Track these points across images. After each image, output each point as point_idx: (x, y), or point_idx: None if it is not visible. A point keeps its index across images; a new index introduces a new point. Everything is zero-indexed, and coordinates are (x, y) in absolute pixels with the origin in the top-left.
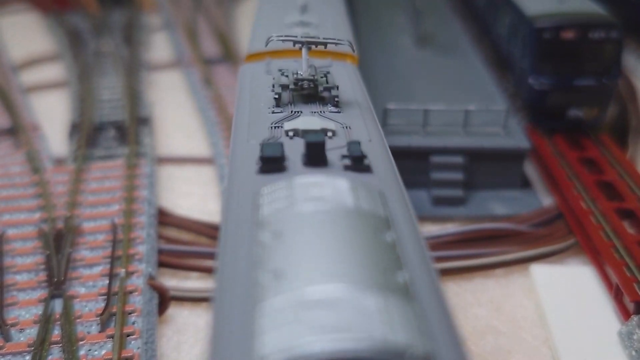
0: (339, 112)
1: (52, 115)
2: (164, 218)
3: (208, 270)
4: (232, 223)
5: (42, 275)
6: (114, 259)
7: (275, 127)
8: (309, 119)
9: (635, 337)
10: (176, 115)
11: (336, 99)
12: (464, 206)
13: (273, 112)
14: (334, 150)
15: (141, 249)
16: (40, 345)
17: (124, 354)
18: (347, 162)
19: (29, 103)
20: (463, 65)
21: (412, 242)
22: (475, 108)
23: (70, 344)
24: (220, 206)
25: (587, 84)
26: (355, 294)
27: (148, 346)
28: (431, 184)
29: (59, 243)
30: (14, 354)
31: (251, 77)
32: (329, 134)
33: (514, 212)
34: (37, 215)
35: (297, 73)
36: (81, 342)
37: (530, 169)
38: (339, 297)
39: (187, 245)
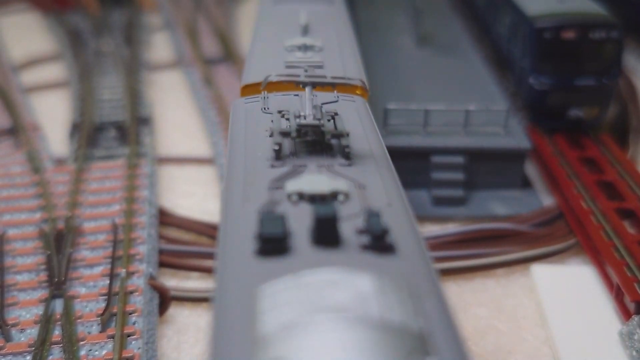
0: (351, 165)
1: (52, 115)
2: (164, 218)
3: (208, 270)
4: (224, 333)
5: (43, 276)
6: (114, 259)
7: (275, 188)
8: (316, 178)
9: (636, 337)
10: (176, 115)
11: (346, 149)
12: (464, 206)
13: (272, 166)
14: (348, 220)
15: (142, 249)
16: (41, 346)
17: (125, 354)
18: (365, 239)
19: (29, 103)
20: (463, 65)
21: None
22: (476, 108)
23: (70, 344)
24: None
25: (588, 84)
26: None
27: (149, 346)
28: (432, 184)
29: (59, 243)
30: (14, 354)
31: (245, 116)
32: (340, 197)
33: (515, 212)
34: (37, 216)
35: (299, 116)
36: (82, 342)
37: (531, 169)
38: None
39: (187, 245)
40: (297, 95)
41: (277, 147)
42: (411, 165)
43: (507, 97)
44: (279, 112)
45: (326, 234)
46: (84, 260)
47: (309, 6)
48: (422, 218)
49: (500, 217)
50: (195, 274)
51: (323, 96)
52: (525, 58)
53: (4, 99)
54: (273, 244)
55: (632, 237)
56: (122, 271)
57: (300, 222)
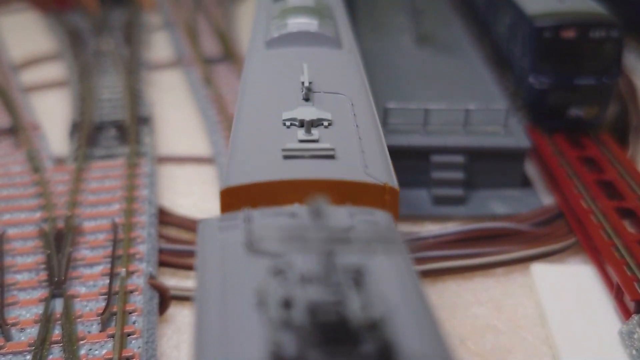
0: None
1: (52, 115)
2: (164, 217)
3: None
4: None
5: (43, 275)
6: (114, 259)
7: None
8: None
9: (635, 336)
10: (176, 115)
11: (386, 353)
12: (464, 205)
13: None
14: None
15: (142, 248)
16: (41, 345)
17: (125, 354)
18: None
19: (29, 102)
20: (463, 64)
21: None
22: (476, 107)
23: (70, 343)
24: None
25: (588, 83)
26: None
27: (148, 345)
28: (431, 183)
29: (59, 242)
30: (14, 354)
31: (222, 256)
32: None
33: (515, 211)
34: (37, 215)
35: (306, 279)
36: (82, 342)
37: (531, 168)
38: None
39: (187, 245)
40: (296, 211)
41: (274, 350)
42: (411, 164)
43: (507, 97)
44: (274, 269)
45: None
46: (84, 260)
47: (312, 50)
48: (422, 217)
49: (500, 216)
50: (194, 273)
51: (330, 212)
52: (525, 57)
53: (3, 98)
54: None
55: (632, 237)
56: (122, 270)
57: None
